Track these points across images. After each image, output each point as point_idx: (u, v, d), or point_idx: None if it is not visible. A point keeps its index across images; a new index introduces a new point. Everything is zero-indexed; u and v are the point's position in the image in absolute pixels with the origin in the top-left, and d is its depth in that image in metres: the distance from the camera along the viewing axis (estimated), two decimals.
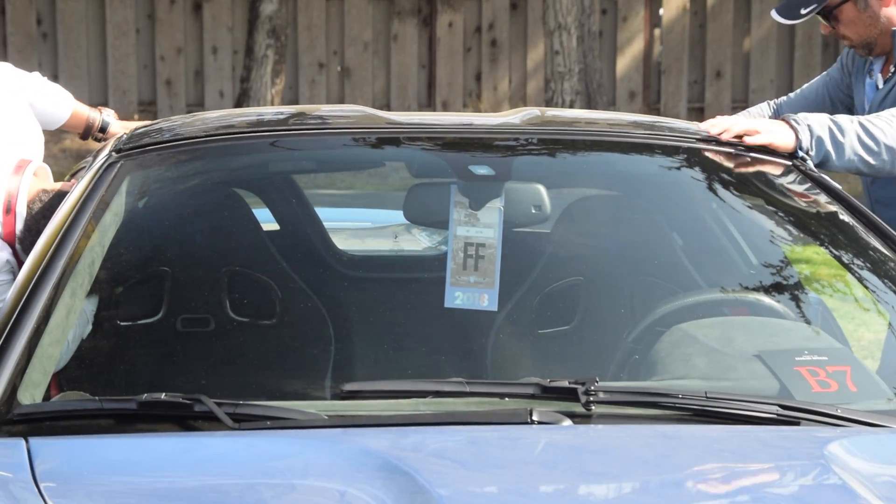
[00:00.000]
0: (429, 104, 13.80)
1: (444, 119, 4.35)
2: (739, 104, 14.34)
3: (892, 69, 3.92)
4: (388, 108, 13.82)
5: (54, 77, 13.24)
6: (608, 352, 3.09)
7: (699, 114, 14.01)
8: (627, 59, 15.03)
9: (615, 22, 14.84)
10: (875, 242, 3.14)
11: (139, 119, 12.23)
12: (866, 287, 3.13)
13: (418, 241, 4.33)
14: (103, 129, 4.05)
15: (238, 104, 13.48)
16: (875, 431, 2.54)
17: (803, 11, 3.88)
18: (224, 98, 14.14)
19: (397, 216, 4.25)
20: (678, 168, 3.47)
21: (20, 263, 3.46)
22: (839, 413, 2.57)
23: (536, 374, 2.86)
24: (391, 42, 15.05)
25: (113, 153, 3.21)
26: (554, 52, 12.36)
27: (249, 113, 3.71)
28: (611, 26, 14.70)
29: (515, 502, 2.28)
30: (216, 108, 13.26)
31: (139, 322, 3.03)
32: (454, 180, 3.21)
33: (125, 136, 3.40)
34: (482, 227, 3.06)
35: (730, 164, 3.41)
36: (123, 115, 12.32)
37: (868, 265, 3.18)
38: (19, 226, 3.58)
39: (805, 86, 4.28)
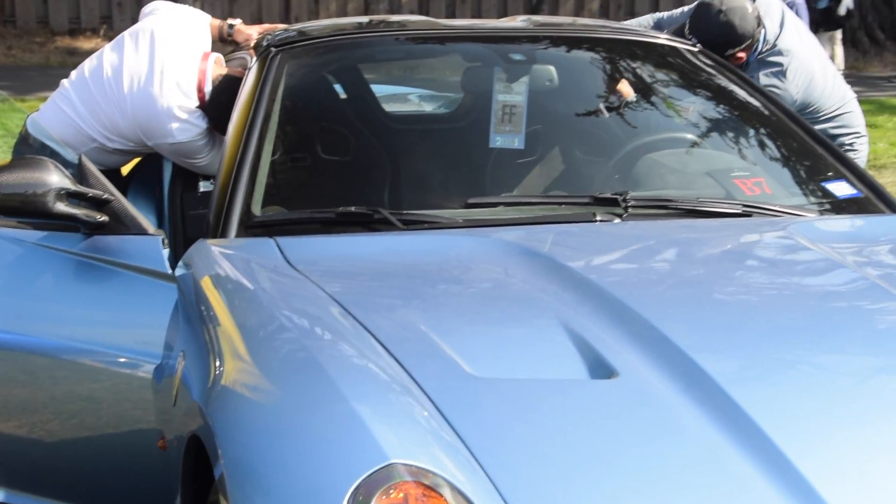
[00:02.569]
0: (287, 20, 14.32)
1: (480, 23, 4.64)
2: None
3: None
4: (260, 23, 12.56)
5: None
6: (603, 172, 3.39)
7: None
8: None
9: None
10: (750, 100, 3.62)
11: (100, 26, 13.66)
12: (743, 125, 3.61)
13: (423, 106, 4.84)
14: (229, 33, 4.24)
15: None
16: (796, 219, 3.06)
17: None
18: None
19: (408, 89, 4.87)
20: (629, 53, 3.87)
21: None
22: (776, 208, 3.08)
23: (559, 188, 3.27)
24: None
25: (272, 48, 3.55)
26: None
27: (352, 21, 4.20)
28: None
29: (606, 260, 2.77)
30: None
31: (281, 159, 3.27)
32: (497, 64, 3.56)
33: (270, 36, 3.76)
34: (514, 94, 3.38)
35: (654, 50, 3.83)
36: (88, 28, 14.04)
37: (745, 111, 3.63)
38: (206, 99, 3.84)
39: (671, 13, 4.63)
